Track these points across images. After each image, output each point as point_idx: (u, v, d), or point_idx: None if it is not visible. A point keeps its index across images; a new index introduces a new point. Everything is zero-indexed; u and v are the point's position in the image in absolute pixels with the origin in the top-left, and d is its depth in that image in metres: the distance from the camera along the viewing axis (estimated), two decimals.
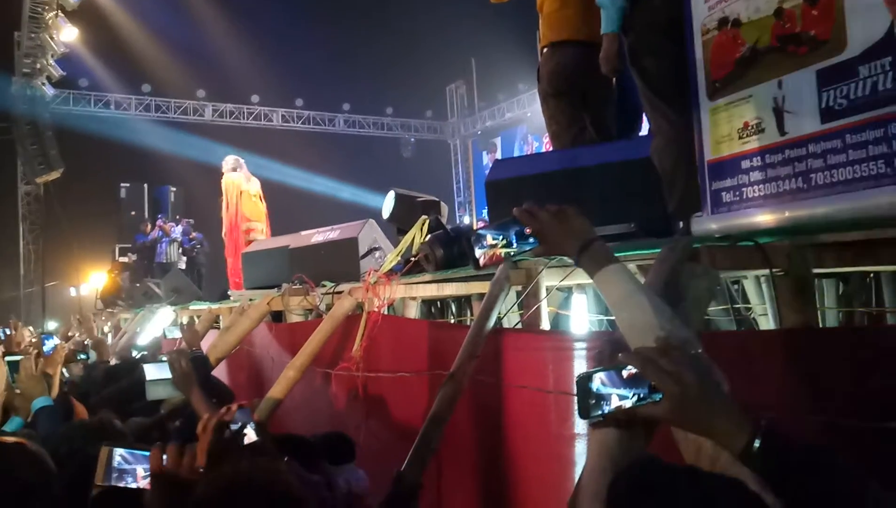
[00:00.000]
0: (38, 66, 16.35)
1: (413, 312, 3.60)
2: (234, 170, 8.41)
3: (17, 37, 16.38)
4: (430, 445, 2.27)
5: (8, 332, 5.62)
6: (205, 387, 3.01)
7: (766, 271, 1.83)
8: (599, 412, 1.04)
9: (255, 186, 8.51)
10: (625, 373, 1.03)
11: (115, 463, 1.67)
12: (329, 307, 3.84)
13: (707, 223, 1.94)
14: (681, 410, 1.00)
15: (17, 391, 2.69)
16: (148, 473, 1.65)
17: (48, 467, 1.67)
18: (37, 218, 17.44)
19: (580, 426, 2.20)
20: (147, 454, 1.64)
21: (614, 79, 3.19)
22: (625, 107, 3.47)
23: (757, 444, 0.95)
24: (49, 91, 16.76)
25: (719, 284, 2.14)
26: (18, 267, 17.55)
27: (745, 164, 1.84)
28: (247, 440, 2.16)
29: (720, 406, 1.01)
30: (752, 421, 0.98)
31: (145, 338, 6.13)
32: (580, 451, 2.18)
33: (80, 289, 17.61)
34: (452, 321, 3.98)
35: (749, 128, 1.83)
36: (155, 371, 3.05)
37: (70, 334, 7.26)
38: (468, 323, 3.84)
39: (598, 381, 1.03)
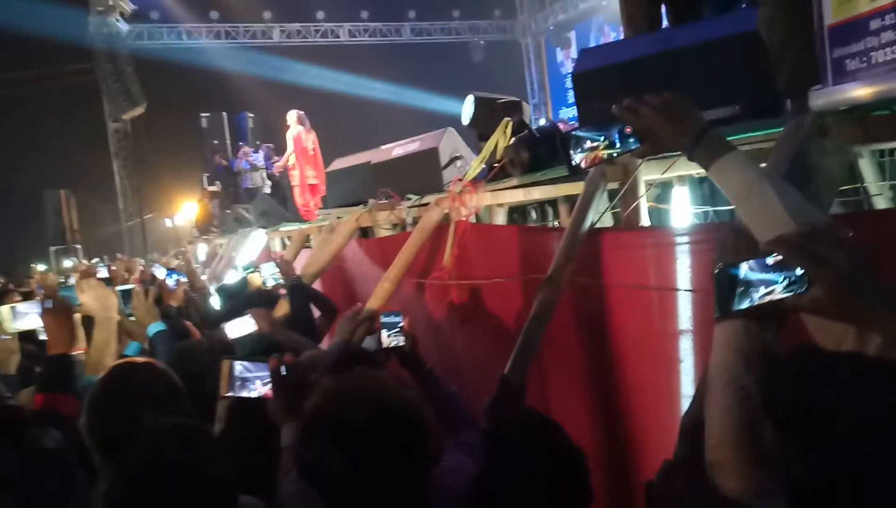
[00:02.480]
0: (111, 2, 16.65)
1: (500, 218, 3.55)
2: (300, 123, 9.73)
3: None
4: (532, 347, 2.27)
5: (113, 268, 5.99)
6: (310, 302, 3.14)
7: (887, 146, 1.65)
8: (748, 302, 0.96)
9: (311, 140, 9.78)
10: (770, 261, 0.94)
11: (236, 373, 1.75)
12: (416, 220, 3.84)
13: (828, 96, 1.75)
14: (836, 297, 0.91)
15: (132, 318, 2.88)
16: (266, 382, 1.72)
17: (176, 382, 1.77)
18: (128, 154, 18.25)
19: (684, 322, 2.13)
20: (264, 363, 1.71)
21: None
22: None
23: None
24: (123, 27, 17.11)
25: (853, 159, 1.97)
26: (117, 202, 18.58)
27: (875, 24, 1.63)
28: (394, 344, 2.20)
29: (877, 291, 0.92)
30: None
31: (242, 260, 6.38)
32: (685, 348, 2.12)
33: (174, 219, 18.50)
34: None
35: None
36: (237, 329, 2.93)
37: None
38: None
39: (746, 268, 0.95)
